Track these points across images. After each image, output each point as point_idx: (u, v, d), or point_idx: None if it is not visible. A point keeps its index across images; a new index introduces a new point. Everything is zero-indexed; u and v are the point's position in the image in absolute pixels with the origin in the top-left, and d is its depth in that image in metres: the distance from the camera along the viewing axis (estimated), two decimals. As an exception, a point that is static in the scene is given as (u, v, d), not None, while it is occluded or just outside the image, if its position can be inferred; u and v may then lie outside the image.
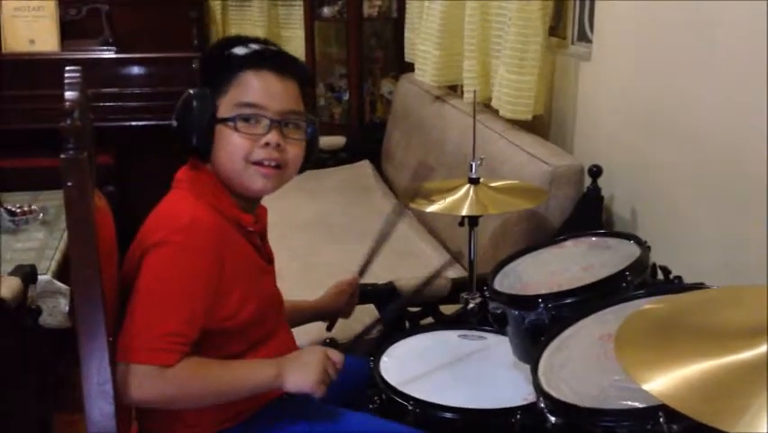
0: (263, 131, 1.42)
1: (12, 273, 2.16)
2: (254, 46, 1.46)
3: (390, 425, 1.49)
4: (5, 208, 2.84)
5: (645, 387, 0.94)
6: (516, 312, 1.48)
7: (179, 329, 1.32)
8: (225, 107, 1.42)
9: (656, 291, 1.37)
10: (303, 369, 1.41)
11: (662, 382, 0.94)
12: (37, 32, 3.68)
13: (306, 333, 1.81)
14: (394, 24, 3.98)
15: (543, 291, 1.47)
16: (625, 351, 1.00)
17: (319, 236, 2.92)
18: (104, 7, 3.74)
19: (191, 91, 1.44)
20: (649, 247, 1.53)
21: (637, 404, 1.12)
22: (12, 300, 2.00)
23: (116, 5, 3.78)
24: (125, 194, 3.65)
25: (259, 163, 1.42)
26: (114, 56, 3.73)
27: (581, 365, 1.26)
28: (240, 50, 1.45)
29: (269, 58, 1.45)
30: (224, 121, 1.42)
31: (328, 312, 1.83)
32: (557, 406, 1.17)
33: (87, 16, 3.75)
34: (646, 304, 1.31)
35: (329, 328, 1.86)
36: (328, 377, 1.43)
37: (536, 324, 1.44)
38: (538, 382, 1.23)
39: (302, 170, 1.53)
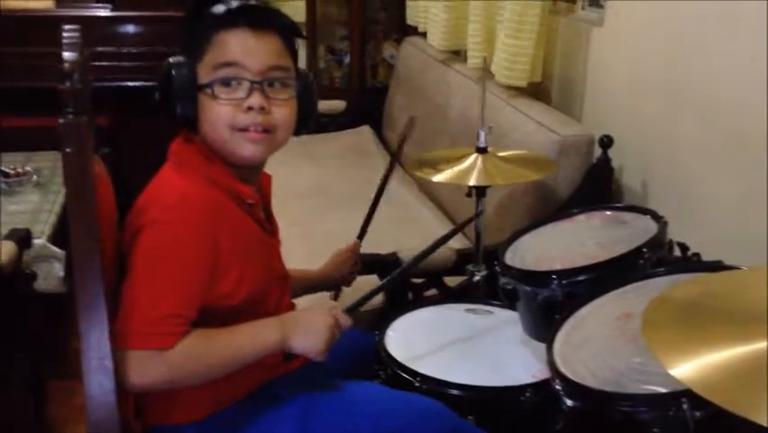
0: (244, 94, 1.33)
1: (7, 237, 2.11)
2: (231, 2, 1.36)
3: (394, 391, 1.44)
4: (-1, 170, 2.79)
5: (673, 372, 0.90)
6: (529, 288, 1.43)
7: (175, 311, 1.26)
8: (204, 73, 1.34)
9: (676, 269, 1.32)
10: (310, 332, 1.36)
11: (690, 368, 0.90)
12: (32, -12, 3.59)
13: (309, 301, 1.78)
14: (397, -15, 3.90)
15: (556, 267, 1.43)
16: (652, 334, 0.96)
17: (319, 203, 2.88)
18: (100, -37, 3.65)
19: (170, 60, 1.36)
20: (666, 223, 1.48)
21: (659, 388, 1.08)
22: (7, 265, 1.95)
23: (112, -38, 3.69)
24: (121, 156, 3.58)
25: (244, 129, 1.34)
26: (109, 14, 3.64)
27: (599, 346, 1.21)
28: (216, 9, 1.35)
29: (243, 13, 1.35)
30: (203, 88, 1.33)
31: (331, 281, 1.78)
32: (574, 389, 1.13)
33: (83, -28, 3.66)
34: (666, 282, 1.29)
35: (335, 298, 1.82)
36: (334, 341, 1.38)
37: (550, 301, 1.40)
38: (553, 363, 1.19)
39: (301, 131, 1.45)
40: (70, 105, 1.08)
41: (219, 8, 1.35)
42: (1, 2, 3.56)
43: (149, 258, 1.28)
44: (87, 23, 3.58)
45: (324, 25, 3.97)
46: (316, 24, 3.87)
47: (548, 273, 1.41)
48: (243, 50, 1.33)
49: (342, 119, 3.75)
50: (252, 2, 1.39)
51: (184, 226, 1.29)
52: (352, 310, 1.45)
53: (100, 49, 3.57)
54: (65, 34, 1.15)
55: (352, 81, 3.93)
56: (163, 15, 3.65)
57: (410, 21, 3.55)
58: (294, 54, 1.41)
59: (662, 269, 1.34)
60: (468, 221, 1.70)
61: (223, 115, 1.33)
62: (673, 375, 0.90)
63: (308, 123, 1.45)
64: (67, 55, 1.12)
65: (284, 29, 1.39)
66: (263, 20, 1.36)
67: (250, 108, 1.33)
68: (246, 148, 1.35)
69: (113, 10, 3.65)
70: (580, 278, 1.39)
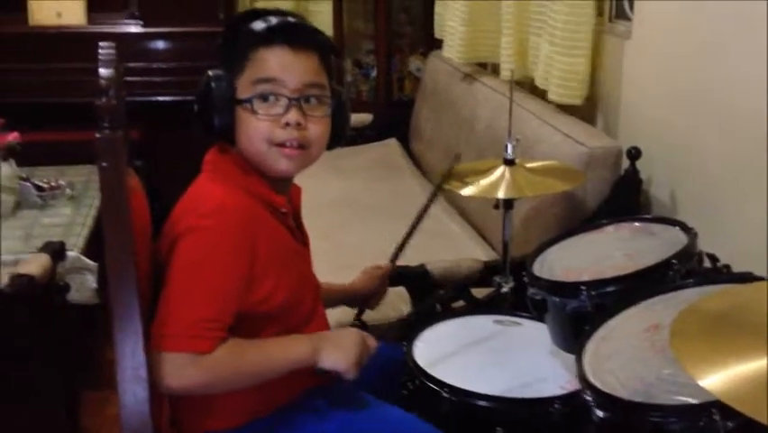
0: (282, 110, 1.36)
1: (41, 250, 2.15)
2: (270, 19, 1.40)
3: (423, 425, 1.45)
4: (33, 183, 2.84)
5: (702, 383, 0.90)
6: (558, 299, 1.44)
7: (213, 315, 1.29)
8: (243, 88, 1.37)
9: (706, 281, 1.32)
10: (340, 349, 1.39)
11: (719, 379, 0.90)
12: (64, 6, 3.66)
13: (334, 314, 1.79)
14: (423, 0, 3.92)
15: (585, 278, 1.43)
16: (680, 345, 0.96)
17: (346, 216, 2.90)
18: (130, -20, 3.72)
19: (209, 73, 1.39)
20: (696, 234, 1.48)
21: (689, 399, 1.08)
22: (41, 277, 1.99)
23: (143, -21, 3.76)
24: (152, 169, 3.63)
25: (281, 145, 1.37)
26: (140, 30, 3.71)
27: (628, 357, 1.21)
28: (255, 25, 1.39)
29: (282, 30, 1.38)
30: (242, 102, 1.37)
31: (358, 297, 1.79)
32: (604, 399, 1.13)
33: (114, -11, 3.73)
34: (696, 294, 1.28)
35: (358, 316, 1.82)
36: (363, 361, 1.40)
37: (578, 312, 1.40)
38: (583, 374, 1.19)
39: (333, 146, 1.48)
40: (106, 120, 1.11)
41: (259, 25, 1.39)
42: (34, 19, 3.64)
43: (187, 264, 1.31)
44: (119, 39, 3.67)
45: (350, 39, 4.00)
46: (343, 38, 3.90)
47: (577, 284, 1.41)
48: (282, 66, 1.36)
49: (368, 132, 3.77)
50: (291, 19, 1.42)
51: (222, 233, 1.31)
52: (382, 336, 1.47)
53: (131, 64, 3.63)
54: (101, 51, 1.18)
55: (379, 94, 3.95)
56: (193, 31, 3.71)
57: (437, 34, 3.56)
58: (329, 72, 1.44)
59: (691, 280, 1.34)
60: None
61: (260, 129, 1.36)
62: (703, 386, 0.90)
63: (340, 139, 1.48)
64: (102, 72, 1.15)
65: (322, 47, 1.42)
66: (302, 38, 1.40)
67: (287, 124, 1.36)
68: (281, 163, 1.38)
69: (144, 26, 3.71)
70: (609, 289, 1.39)
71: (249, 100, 1.36)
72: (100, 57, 1.17)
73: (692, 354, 0.95)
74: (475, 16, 2.93)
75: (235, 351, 1.31)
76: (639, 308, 1.32)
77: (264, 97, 1.36)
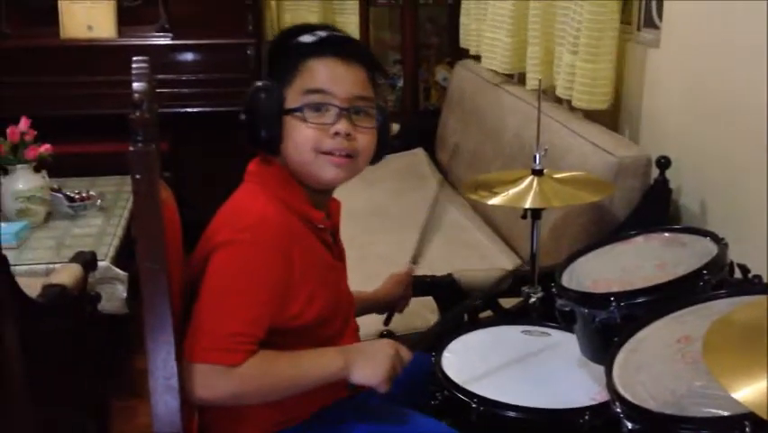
0: (332, 120, 1.38)
1: (72, 260, 2.18)
2: (320, 33, 1.42)
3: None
4: (64, 194, 2.89)
5: (735, 395, 0.90)
6: (587, 310, 1.43)
7: (246, 329, 1.30)
8: (292, 98, 1.39)
9: (737, 292, 1.31)
10: (371, 362, 1.39)
11: (752, 391, 0.89)
12: (95, 19, 3.71)
13: (362, 324, 1.79)
14: (449, 10, 3.94)
15: (614, 289, 1.42)
16: (713, 357, 0.95)
17: (374, 225, 2.90)
18: (160, -7, 3.76)
19: (258, 84, 1.41)
20: (726, 244, 1.47)
21: (720, 412, 1.07)
22: (73, 287, 2.01)
23: (173, -8, 3.80)
24: (180, 180, 3.68)
25: (329, 153, 1.39)
26: (170, 42, 3.76)
27: (659, 369, 1.21)
28: (304, 38, 1.42)
29: (333, 44, 1.41)
30: (292, 111, 1.38)
31: (385, 304, 1.80)
32: (634, 411, 1.12)
33: (144, 2, 3.79)
34: (727, 305, 1.27)
35: (387, 322, 1.83)
36: (395, 374, 1.40)
37: (607, 323, 1.39)
38: (613, 385, 1.19)
39: (376, 161, 1.49)
40: (140, 133, 1.12)
41: (309, 38, 1.41)
42: (65, 32, 3.70)
43: (222, 276, 1.32)
44: (148, 52, 3.72)
45: (377, 50, 4.02)
46: (370, 49, 3.92)
47: (606, 296, 1.40)
48: (333, 78, 1.38)
49: (395, 142, 3.78)
50: (339, 33, 1.45)
51: (258, 248, 1.33)
52: (414, 346, 1.47)
53: (160, 76, 3.67)
54: (134, 65, 1.20)
55: (405, 104, 3.97)
56: (222, 43, 3.75)
57: (463, 44, 3.57)
58: (375, 88, 1.46)
59: (722, 291, 1.32)
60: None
61: (309, 137, 1.38)
62: (736, 398, 0.89)
63: (382, 154, 1.49)
64: (136, 85, 1.17)
65: (369, 61, 1.44)
66: (351, 51, 1.42)
67: (336, 134, 1.38)
68: (329, 171, 1.40)
69: (173, 39, 3.75)
70: (639, 300, 1.38)
71: (300, 109, 1.38)
72: (134, 71, 1.19)
73: (725, 367, 0.95)
74: (516, 27, 2.92)
75: (267, 363, 1.32)
76: (669, 320, 1.31)
77: (316, 108, 1.38)
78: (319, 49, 1.40)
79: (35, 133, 2.76)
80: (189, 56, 3.76)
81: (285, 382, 1.34)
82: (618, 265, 1.56)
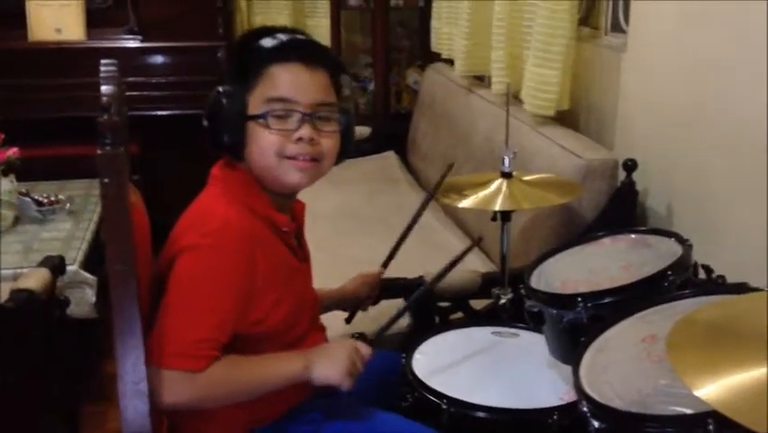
0: (295, 126, 1.38)
1: (41, 264, 2.15)
2: (281, 36, 1.42)
3: (424, 429, 1.46)
4: (33, 198, 2.85)
5: (697, 393, 0.91)
6: (555, 311, 1.45)
7: (210, 335, 1.30)
8: (255, 103, 1.39)
9: (701, 292, 1.33)
10: (331, 361, 1.40)
11: (715, 389, 0.91)
12: (63, 21, 3.68)
13: (333, 327, 1.79)
14: (420, 13, 3.95)
15: (582, 290, 1.44)
16: (677, 356, 0.97)
17: (344, 228, 2.90)
18: (130, -4, 3.74)
19: (220, 89, 1.41)
20: (691, 246, 1.49)
21: (685, 410, 1.09)
22: (41, 292, 1.99)
23: (142, -6, 3.78)
24: (150, 183, 3.64)
25: (293, 158, 1.39)
26: (139, 45, 3.73)
27: (625, 368, 1.22)
28: (266, 42, 1.41)
29: (296, 48, 1.41)
30: (255, 118, 1.38)
31: (348, 300, 1.80)
32: (600, 410, 1.14)
33: (113, 5, 3.76)
34: (691, 305, 1.29)
35: (349, 320, 1.82)
36: (356, 370, 1.41)
37: (575, 323, 1.41)
38: (580, 385, 1.20)
39: (340, 161, 1.50)
40: (108, 136, 1.12)
41: (270, 42, 1.40)
42: (34, 35, 3.65)
43: (186, 282, 1.32)
44: (118, 54, 3.70)
45: (348, 53, 4.03)
46: (341, 52, 3.93)
47: (573, 296, 1.42)
48: (296, 85, 1.38)
49: (366, 145, 3.77)
50: (302, 37, 1.45)
51: (222, 253, 1.32)
52: (379, 336, 1.48)
53: (130, 79, 3.64)
54: (102, 68, 1.20)
55: (377, 107, 3.97)
56: (192, 46, 3.73)
57: (434, 48, 3.58)
58: (338, 89, 1.46)
59: (687, 291, 1.35)
60: (472, 246, 1.72)
61: (273, 143, 1.38)
62: (699, 396, 0.91)
63: (346, 154, 1.50)
64: (104, 88, 1.17)
65: (333, 65, 1.45)
66: (315, 56, 1.42)
67: (299, 139, 1.38)
68: (293, 175, 1.40)
69: (142, 41, 3.72)
70: (605, 300, 1.40)
71: (263, 116, 1.37)
72: (102, 74, 1.19)
73: (688, 365, 0.96)
74: (475, 29, 2.94)
75: (229, 369, 1.32)
76: (635, 320, 1.33)
77: (277, 115, 1.38)
78: (282, 54, 1.39)
79: (2, 136, 2.73)
80: (159, 58, 3.73)
81: (247, 386, 1.35)
82: (586, 266, 1.58)
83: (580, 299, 1.40)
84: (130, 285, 1.16)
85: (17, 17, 3.62)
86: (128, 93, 3.66)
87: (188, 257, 1.32)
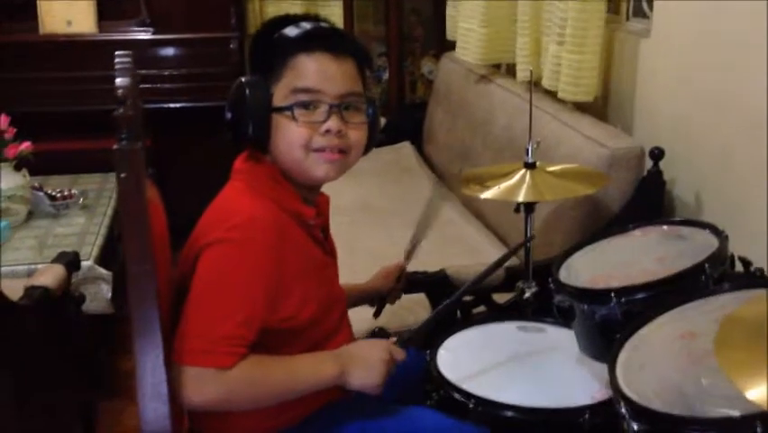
0: (322, 117, 1.34)
1: (55, 260, 2.12)
2: (305, 25, 1.37)
3: (450, 421, 1.42)
4: (46, 193, 2.82)
5: (749, 395, 0.87)
6: (586, 306, 1.40)
7: (237, 331, 1.26)
8: (280, 94, 1.35)
9: (740, 286, 1.28)
10: (367, 369, 1.36)
11: (765, 390, 0.86)
12: (74, 13, 3.64)
13: (354, 321, 1.76)
14: (434, 1, 3.88)
15: (614, 284, 1.39)
16: (725, 355, 0.93)
17: (361, 220, 2.87)
18: (141, -13, 3.70)
19: (243, 79, 1.36)
20: (727, 237, 1.44)
21: (729, 411, 1.04)
22: (56, 289, 1.96)
23: (153, -15, 3.74)
24: (163, 176, 3.61)
25: (320, 150, 1.35)
26: (150, 37, 3.69)
27: (663, 366, 1.18)
28: (290, 31, 1.36)
29: (322, 37, 1.36)
30: (281, 110, 1.34)
31: (375, 295, 1.77)
32: (640, 412, 1.09)
33: (125, -4, 3.71)
34: (730, 300, 1.25)
35: (376, 315, 1.79)
36: (389, 374, 1.38)
37: (608, 319, 1.36)
38: (617, 385, 1.15)
39: (366, 153, 1.46)
40: (124, 131, 1.08)
41: (294, 31, 1.36)
42: (44, 27, 3.62)
43: (213, 276, 1.28)
44: (129, 47, 3.66)
45: (361, 42, 3.97)
46: (357, 40, 3.88)
47: (606, 291, 1.37)
48: (323, 75, 1.34)
49: (381, 136, 3.72)
50: (326, 25, 1.40)
51: (249, 247, 1.28)
52: (407, 343, 1.44)
53: (142, 71, 3.61)
54: (117, 60, 1.16)
55: (391, 97, 3.92)
56: (204, 37, 3.69)
57: (450, 36, 3.53)
58: (364, 79, 1.42)
59: (725, 285, 1.30)
60: (520, 245, 1.68)
61: (300, 135, 1.34)
62: (749, 398, 0.86)
63: (372, 145, 1.46)
64: (119, 81, 1.12)
65: (360, 55, 1.40)
66: (340, 44, 1.37)
67: (327, 131, 1.34)
68: (321, 168, 1.36)
69: (154, 33, 3.69)
70: (640, 296, 1.35)
71: (289, 108, 1.34)
72: (117, 66, 1.15)
73: (738, 365, 0.92)
74: (492, 17, 2.88)
75: (259, 368, 1.28)
76: (672, 316, 1.28)
77: (305, 105, 1.34)
78: (307, 43, 1.35)
79: (15, 130, 2.70)
80: (171, 51, 3.69)
81: (277, 389, 1.31)
82: (617, 260, 1.53)
83: (613, 294, 1.35)
84: (149, 284, 1.12)
85: (28, 10, 3.59)
86: (140, 86, 3.66)
87: (214, 252, 1.28)
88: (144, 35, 3.69)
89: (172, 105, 3.68)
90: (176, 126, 3.64)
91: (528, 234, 1.82)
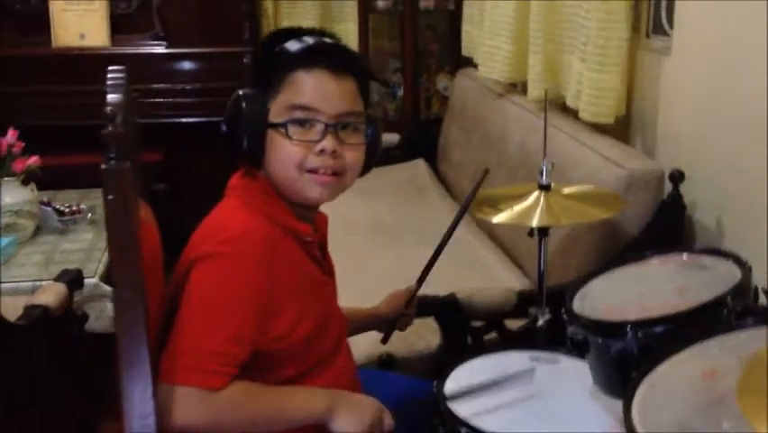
0: (317, 136, 1.30)
1: (57, 278, 2.08)
2: (308, 40, 1.33)
3: None
4: (54, 208, 2.79)
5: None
6: (601, 340, 1.32)
7: (227, 348, 1.21)
8: (277, 110, 1.31)
9: (765, 320, 1.20)
10: (356, 415, 1.32)
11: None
12: (87, 27, 3.62)
13: (359, 345, 1.70)
14: (450, 17, 3.85)
15: (631, 317, 1.32)
16: (748, 401, 0.86)
17: (373, 239, 2.82)
18: (155, 1, 3.67)
19: (240, 92, 1.33)
20: (750, 268, 1.36)
21: (753, 458, 0.96)
22: (57, 308, 1.91)
23: (167, -1, 3.72)
24: (176, 191, 3.58)
25: (314, 171, 1.31)
26: (164, 51, 3.66)
27: (682, 407, 1.10)
28: (292, 46, 1.32)
29: (323, 54, 1.32)
30: (276, 126, 1.30)
31: (384, 320, 1.71)
32: (658, 457, 1.02)
33: (138, 10, 3.68)
34: (754, 335, 1.17)
35: (384, 341, 1.74)
36: (376, 430, 1.34)
37: (624, 354, 1.28)
38: (633, 427, 1.08)
39: (364, 173, 1.41)
40: (113, 149, 1.02)
41: (296, 46, 1.32)
42: (57, 41, 3.60)
43: (202, 292, 1.24)
44: (142, 61, 3.64)
45: (376, 58, 3.93)
46: (369, 57, 3.83)
47: (622, 324, 1.29)
48: (321, 93, 1.30)
49: (395, 153, 3.68)
50: (329, 41, 1.35)
51: (240, 261, 1.24)
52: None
53: (156, 85, 3.59)
54: (109, 75, 1.11)
55: (406, 114, 3.88)
56: (218, 52, 3.66)
57: (465, 52, 3.48)
58: (366, 97, 1.37)
59: (748, 320, 1.22)
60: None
61: (294, 155, 1.30)
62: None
63: (371, 166, 1.42)
64: (110, 97, 1.08)
65: (361, 73, 1.36)
66: (342, 62, 1.33)
67: (322, 151, 1.29)
68: (314, 190, 1.32)
69: (167, 47, 3.66)
70: (658, 329, 1.27)
71: (283, 125, 1.30)
72: (108, 81, 1.10)
73: (761, 411, 0.85)
74: (518, 34, 2.82)
75: (248, 395, 1.24)
76: (692, 352, 1.20)
77: (300, 123, 1.30)
78: (307, 59, 1.31)
79: (23, 144, 2.67)
80: (184, 65, 3.67)
81: (265, 418, 1.26)
82: (634, 289, 1.46)
83: (629, 327, 1.28)
84: (137, 311, 1.07)
85: (41, 22, 3.58)
86: (153, 100, 3.65)
87: (204, 266, 1.24)
88: (157, 49, 3.66)
89: (185, 120, 3.64)
90: (189, 141, 3.60)
91: (542, 260, 1.75)
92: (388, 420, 1.36)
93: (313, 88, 1.30)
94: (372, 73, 1.44)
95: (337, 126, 1.31)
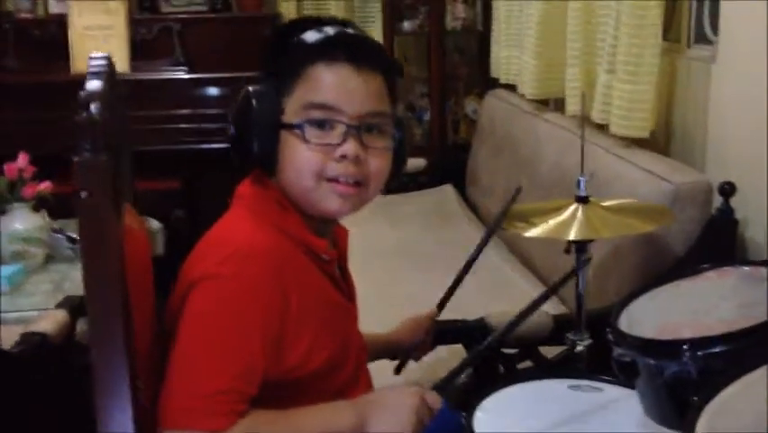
0: (338, 140, 1.16)
1: (59, 305, 1.96)
2: (328, 30, 1.19)
3: None
4: (66, 235, 2.69)
5: None
6: (653, 362, 1.16)
7: (232, 386, 1.07)
8: (292, 110, 1.17)
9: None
10: (391, 415, 1.15)
11: None
12: (107, 52, 3.56)
13: (375, 371, 1.55)
14: (479, 38, 3.75)
15: (686, 335, 1.16)
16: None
17: (400, 266, 2.70)
18: (175, 26, 3.63)
19: (250, 89, 1.19)
20: (819, 281, 1.20)
21: None
22: (56, 336, 1.79)
23: (188, 24, 3.67)
24: (197, 217, 3.48)
25: (334, 180, 1.16)
26: (185, 76, 3.60)
27: (755, 440, 0.94)
28: (310, 36, 1.18)
29: (345, 46, 1.18)
30: (291, 127, 1.16)
31: (398, 348, 1.55)
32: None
33: (158, 35, 3.63)
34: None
35: (398, 371, 1.57)
36: (422, 428, 1.15)
37: (680, 378, 1.12)
38: (696, 463, 0.92)
39: (389, 185, 1.26)
40: (87, 140, 0.89)
41: (314, 36, 1.18)
42: (76, 67, 3.55)
43: (200, 320, 1.09)
44: (164, 87, 3.56)
45: (403, 82, 3.83)
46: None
47: (677, 343, 1.13)
48: (343, 90, 1.16)
49: (422, 178, 3.58)
50: (352, 31, 1.21)
51: (244, 282, 1.10)
52: (441, 388, 1.22)
53: (176, 111, 3.51)
54: (91, 62, 0.99)
55: (433, 138, 3.78)
56: (239, 77, 3.57)
57: (494, 73, 3.36)
58: (393, 96, 1.23)
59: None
60: (567, 276, 1.44)
61: (312, 161, 1.15)
62: None
63: (398, 176, 1.26)
64: (88, 84, 0.95)
65: (388, 68, 1.22)
66: (367, 56, 1.19)
67: (343, 157, 1.15)
68: (333, 201, 1.17)
69: (188, 72, 3.60)
70: (718, 349, 1.11)
71: (300, 126, 1.15)
72: (89, 69, 0.98)
73: None
74: (546, 48, 2.69)
75: (262, 425, 1.08)
76: (761, 374, 1.04)
77: (318, 123, 1.16)
78: (327, 52, 1.17)
79: (34, 169, 2.59)
80: (206, 90, 3.60)
81: None
82: (688, 306, 1.29)
83: (686, 346, 1.11)
84: (115, 330, 0.92)
85: (59, 48, 3.53)
86: (175, 126, 3.58)
87: (203, 290, 1.09)
88: (178, 74, 3.60)
89: (207, 146, 3.55)
90: (212, 167, 3.52)
91: (581, 279, 1.60)
92: (432, 399, 1.18)
93: (333, 84, 1.16)
94: (401, 68, 1.30)
95: (360, 128, 1.17)
